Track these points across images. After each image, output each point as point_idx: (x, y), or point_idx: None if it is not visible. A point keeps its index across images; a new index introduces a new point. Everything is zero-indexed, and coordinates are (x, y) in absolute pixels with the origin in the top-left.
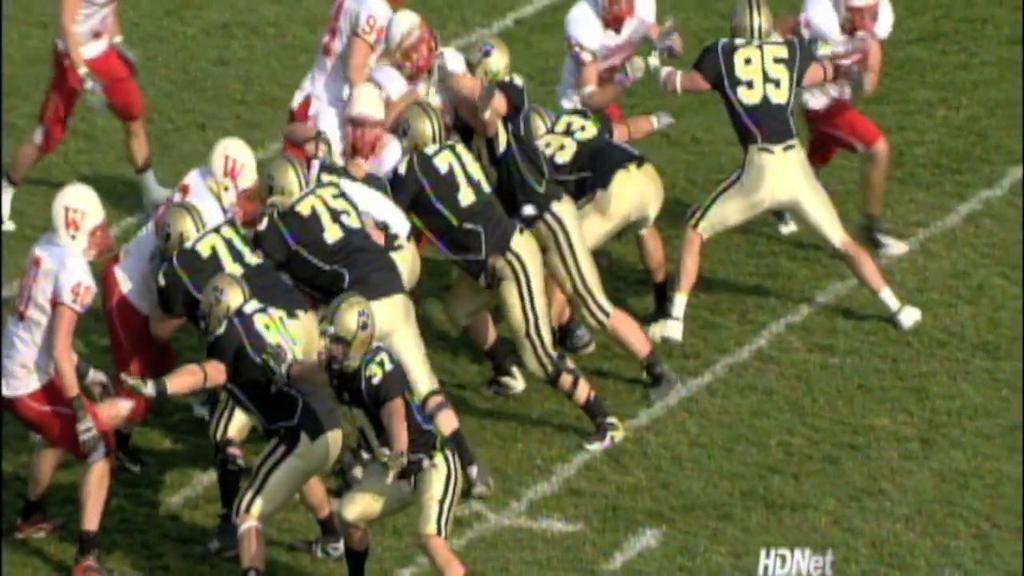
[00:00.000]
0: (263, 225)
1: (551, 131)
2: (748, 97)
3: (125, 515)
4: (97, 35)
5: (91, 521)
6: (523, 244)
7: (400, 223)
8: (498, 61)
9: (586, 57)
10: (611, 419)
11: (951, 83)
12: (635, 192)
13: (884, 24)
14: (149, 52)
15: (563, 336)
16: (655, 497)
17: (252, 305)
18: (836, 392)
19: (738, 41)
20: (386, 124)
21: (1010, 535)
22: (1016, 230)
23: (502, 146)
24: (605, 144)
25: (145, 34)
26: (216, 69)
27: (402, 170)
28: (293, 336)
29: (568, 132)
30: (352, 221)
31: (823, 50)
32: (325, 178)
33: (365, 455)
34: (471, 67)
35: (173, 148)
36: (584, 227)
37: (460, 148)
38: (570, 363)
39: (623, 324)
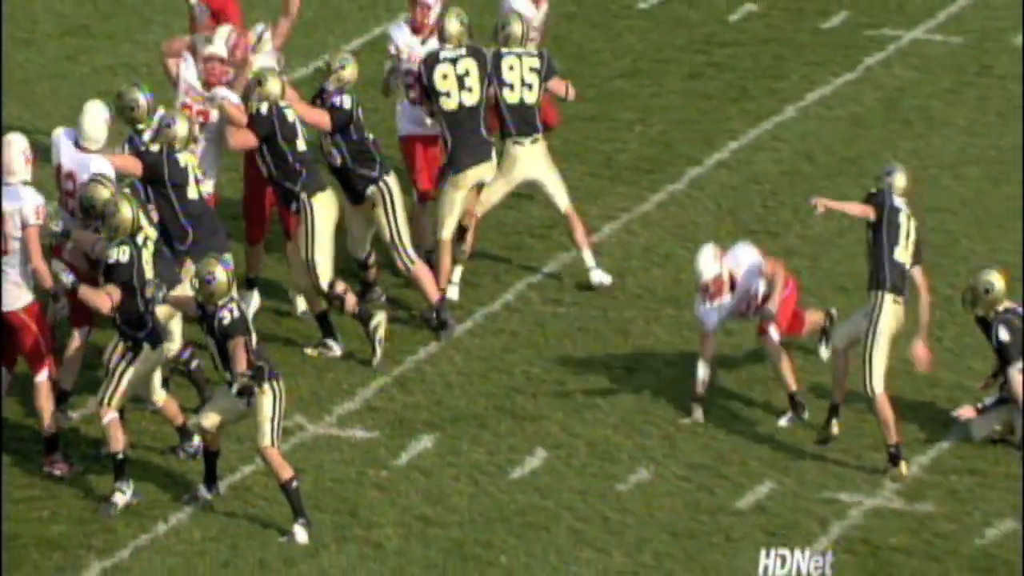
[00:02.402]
0: (156, 147)
1: (452, 60)
2: (510, 97)
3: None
4: None
5: (49, 427)
6: (321, 202)
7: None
8: (351, 74)
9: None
10: (375, 320)
11: (646, 107)
12: (476, 178)
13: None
14: (53, 86)
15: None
16: (431, 412)
17: (141, 236)
18: (563, 334)
19: (504, 50)
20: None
21: (691, 435)
22: (694, 214)
23: (338, 161)
24: (472, 127)
25: (50, 72)
26: (103, 100)
27: (264, 111)
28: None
29: (461, 83)
30: (202, 188)
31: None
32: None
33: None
34: (328, 71)
35: None
36: (445, 200)
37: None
38: (340, 289)
39: (423, 273)
